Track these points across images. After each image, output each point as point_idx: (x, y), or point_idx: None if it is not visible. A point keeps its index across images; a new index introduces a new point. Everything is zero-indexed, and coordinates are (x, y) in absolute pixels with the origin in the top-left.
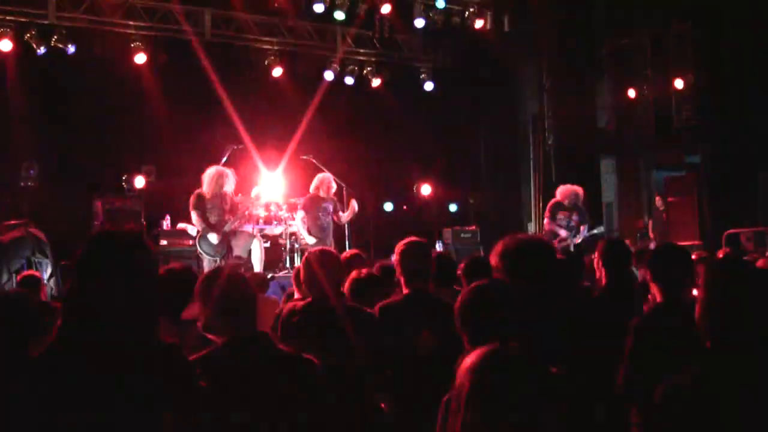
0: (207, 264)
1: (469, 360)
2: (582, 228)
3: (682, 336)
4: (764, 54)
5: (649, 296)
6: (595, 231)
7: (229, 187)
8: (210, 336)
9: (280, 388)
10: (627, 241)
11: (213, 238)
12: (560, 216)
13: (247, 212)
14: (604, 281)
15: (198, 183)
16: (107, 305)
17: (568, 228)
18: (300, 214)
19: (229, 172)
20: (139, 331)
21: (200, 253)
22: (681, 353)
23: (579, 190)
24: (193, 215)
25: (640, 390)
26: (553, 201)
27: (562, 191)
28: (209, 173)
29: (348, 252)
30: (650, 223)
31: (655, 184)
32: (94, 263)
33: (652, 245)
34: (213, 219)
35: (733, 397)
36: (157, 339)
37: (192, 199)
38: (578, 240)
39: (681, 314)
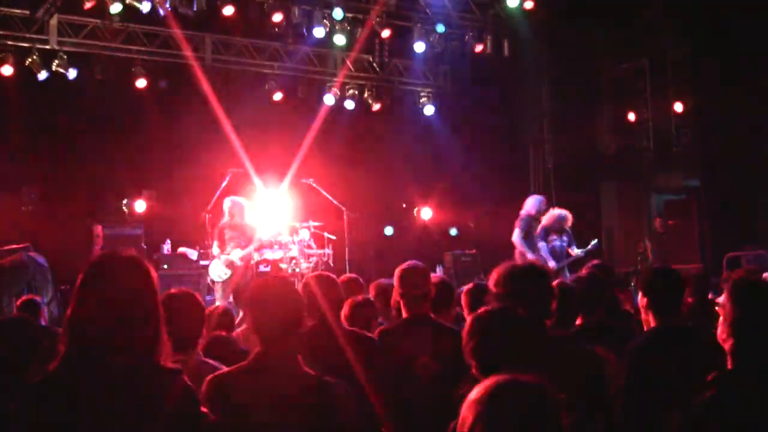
0: (218, 289)
1: (476, 391)
2: (570, 249)
3: (678, 360)
4: (764, 77)
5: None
6: (590, 246)
7: (241, 216)
8: (211, 361)
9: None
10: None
11: (221, 265)
12: (553, 237)
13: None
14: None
15: (198, 207)
16: (108, 330)
17: (560, 250)
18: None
19: (242, 201)
20: (140, 355)
21: (211, 279)
22: (678, 378)
23: (567, 213)
24: (214, 245)
25: (639, 416)
26: (542, 225)
27: (549, 216)
28: (224, 204)
29: (344, 276)
30: (649, 245)
31: (655, 208)
32: (95, 287)
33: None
34: (229, 248)
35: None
36: (159, 363)
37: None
38: (576, 255)
39: (676, 338)
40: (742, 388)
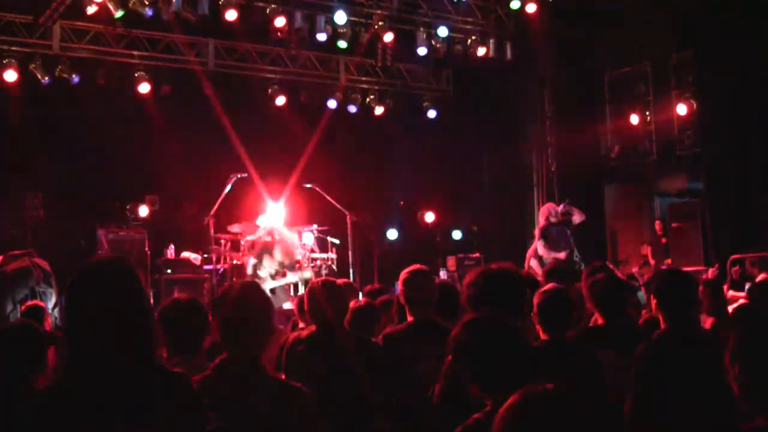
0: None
1: (509, 404)
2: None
3: (688, 364)
4: (766, 79)
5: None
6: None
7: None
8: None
9: (271, 416)
10: (635, 269)
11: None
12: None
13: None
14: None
15: (202, 211)
16: (103, 334)
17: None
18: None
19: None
20: (140, 357)
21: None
22: (688, 381)
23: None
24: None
25: (649, 417)
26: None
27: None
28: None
29: (339, 281)
30: (649, 249)
31: (658, 211)
32: (81, 294)
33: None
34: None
35: None
36: (160, 366)
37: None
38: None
39: (687, 341)
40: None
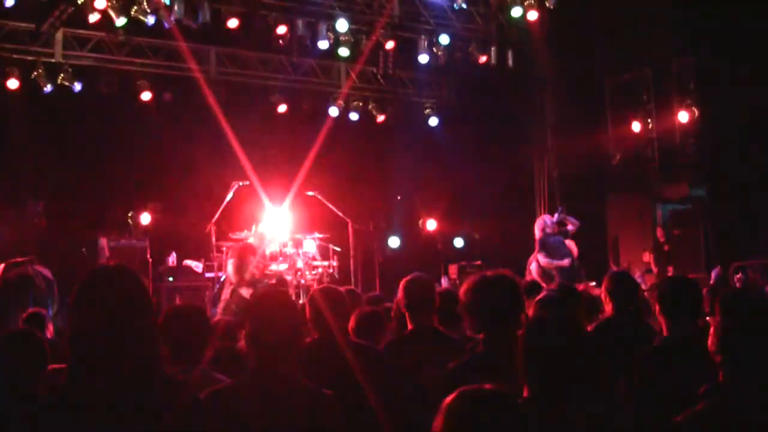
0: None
1: (448, 399)
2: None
3: (689, 369)
4: None
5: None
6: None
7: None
8: (216, 374)
9: (304, 423)
10: (637, 275)
11: (245, 292)
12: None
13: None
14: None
15: (203, 219)
16: (108, 341)
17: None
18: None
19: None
20: (143, 365)
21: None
22: (689, 386)
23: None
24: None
25: (649, 423)
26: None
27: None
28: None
29: (342, 288)
30: (651, 256)
31: (660, 218)
32: (85, 301)
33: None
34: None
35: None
36: (163, 375)
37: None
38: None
39: (688, 347)
40: (731, 402)
